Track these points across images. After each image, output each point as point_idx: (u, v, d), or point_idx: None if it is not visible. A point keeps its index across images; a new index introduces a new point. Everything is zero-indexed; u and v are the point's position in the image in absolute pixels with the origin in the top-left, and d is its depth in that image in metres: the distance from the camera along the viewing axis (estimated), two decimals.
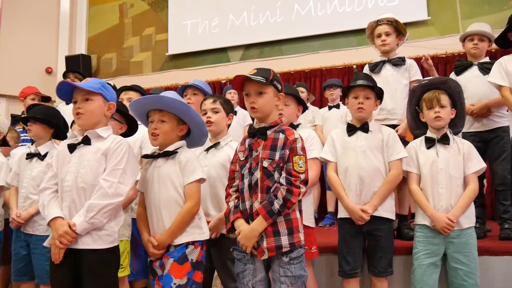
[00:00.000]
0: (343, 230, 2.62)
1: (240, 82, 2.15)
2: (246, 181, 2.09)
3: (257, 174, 2.05)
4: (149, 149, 2.86)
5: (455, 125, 2.67)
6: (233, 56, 6.57)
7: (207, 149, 2.59)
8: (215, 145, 2.58)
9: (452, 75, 3.46)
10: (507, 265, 2.66)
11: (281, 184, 2.02)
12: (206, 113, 2.58)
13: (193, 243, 2.16)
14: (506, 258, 2.68)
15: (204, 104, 2.65)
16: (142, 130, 2.83)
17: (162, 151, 2.23)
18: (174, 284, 2.04)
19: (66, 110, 3.85)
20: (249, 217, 2.05)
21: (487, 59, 3.44)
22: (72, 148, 2.12)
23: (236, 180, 2.16)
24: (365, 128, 2.59)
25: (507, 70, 2.96)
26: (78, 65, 6.85)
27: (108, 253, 2.05)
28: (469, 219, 2.47)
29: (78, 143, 2.13)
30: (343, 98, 2.75)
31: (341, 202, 2.58)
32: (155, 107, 2.23)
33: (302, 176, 2.03)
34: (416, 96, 2.72)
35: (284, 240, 2.00)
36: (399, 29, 3.35)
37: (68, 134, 2.76)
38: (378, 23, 3.37)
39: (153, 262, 2.18)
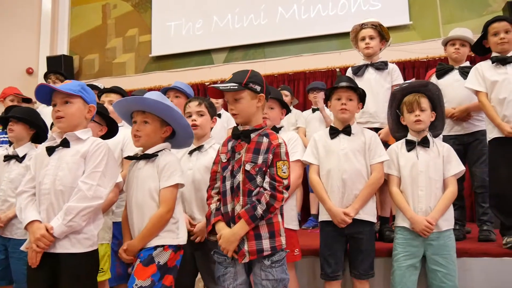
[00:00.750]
0: (325, 233, 2.62)
1: (216, 92, 2.16)
2: (228, 183, 2.08)
3: (239, 177, 2.05)
4: (131, 151, 2.83)
5: (435, 128, 2.70)
6: (217, 58, 6.55)
7: (191, 152, 2.58)
8: (199, 148, 2.56)
9: (433, 79, 3.51)
10: (486, 266, 2.70)
11: (265, 189, 2.02)
12: (191, 116, 2.57)
13: (162, 246, 2.09)
14: (485, 259, 2.72)
15: (189, 106, 2.64)
16: (124, 132, 2.80)
17: (143, 153, 2.19)
18: (136, 285, 1.98)
19: (46, 112, 3.79)
20: (230, 220, 2.05)
21: (467, 64, 3.49)
22: (50, 150, 2.09)
23: (218, 181, 2.15)
24: (347, 131, 2.60)
25: (484, 75, 3.01)
26: (59, 65, 6.75)
27: (87, 257, 2.02)
28: (447, 222, 2.50)
29: (57, 146, 2.09)
30: (326, 100, 2.76)
31: (323, 205, 2.59)
32: (138, 108, 2.19)
33: (286, 182, 2.04)
34: (397, 99, 2.75)
35: (266, 244, 2.00)
36: (382, 33, 3.39)
37: (48, 136, 2.72)
38: (362, 26, 3.40)
39: (129, 267, 2.15)
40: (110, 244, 2.68)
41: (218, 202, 2.13)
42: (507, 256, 2.70)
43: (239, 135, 2.13)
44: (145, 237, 2.08)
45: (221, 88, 2.08)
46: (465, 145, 3.33)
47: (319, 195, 2.61)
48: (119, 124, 2.72)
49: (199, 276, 2.57)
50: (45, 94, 2.15)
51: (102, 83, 4.67)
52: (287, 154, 2.09)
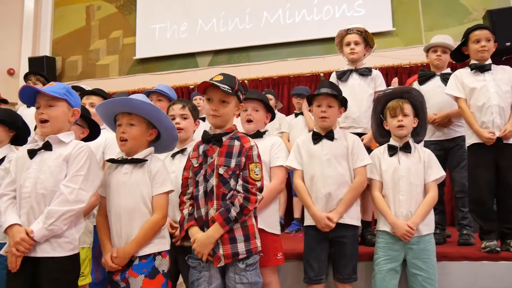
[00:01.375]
0: (308, 237, 2.63)
1: (204, 86, 2.15)
2: (201, 188, 2.08)
3: (213, 181, 2.05)
4: (113, 154, 2.80)
5: (417, 134, 2.73)
6: (202, 61, 6.54)
7: (173, 155, 2.57)
8: (182, 151, 2.56)
9: (415, 85, 3.56)
10: (465, 270, 2.74)
11: (238, 192, 2.03)
12: (174, 118, 2.56)
13: (159, 253, 2.10)
14: (464, 263, 2.76)
15: (172, 109, 2.63)
16: (106, 135, 2.78)
17: (130, 158, 2.14)
18: None
19: (28, 114, 3.74)
20: (204, 224, 2.05)
21: (449, 70, 3.55)
22: (32, 153, 2.05)
23: (190, 187, 2.15)
24: (330, 136, 2.62)
25: (463, 82, 3.07)
26: (41, 67, 6.65)
27: (68, 261, 1.99)
28: (428, 226, 2.53)
29: (39, 149, 2.06)
30: (309, 105, 2.78)
31: (308, 210, 2.60)
32: (124, 110, 2.15)
33: (259, 184, 2.06)
34: (380, 104, 2.78)
35: (241, 247, 2.01)
36: (367, 39, 3.43)
37: (30, 139, 2.68)
38: (348, 32, 3.43)
39: (113, 274, 2.09)
40: (91, 248, 2.64)
41: (191, 207, 2.13)
42: (486, 260, 2.74)
43: (210, 139, 2.13)
44: (140, 243, 2.04)
45: (221, 88, 2.06)
46: (445, 151, 3.39)
47: (303, 200, 2.63)
48: (101, 127, 2.69)
49: (180, 279, 2.56)
50: (29, 96, 2.11)
51: (85, 85, 4.60)
52: (259, 156, 2.11)
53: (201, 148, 2.16)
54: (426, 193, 2.56)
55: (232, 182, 2.05)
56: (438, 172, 2.60)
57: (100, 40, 7.13)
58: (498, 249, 2.79)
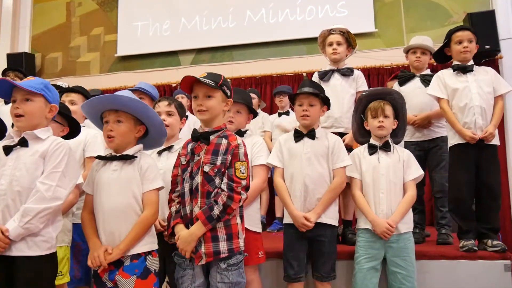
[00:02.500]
0: (288, 235, 2.64)
1: (189, 84, 2.14)
2: (186, 185, 2.08)
3: (198, 179, 2.04)
4: (93, 151, 2.77)
5: (396, 135, 2.77)
6: (184, 60, 6.49)
7: (159, 152, 2.56)
8: (169, 148, 2.55)
9: (396, 86, 3.60)
10: (443, 268, 2.78)
11: (222, 190, 2.02)
12: (160, 115, 2.54)
13: (150, 252, 2.08)
14: (442, 261, 2.79)
15: (158, 106, 2.62)
16: (85, 132, 2.74)
17: (119, 154, 2.11)
18: None
19: (5, 110, 3.66)
20: (189, 222, 2.04)
21: (428, 71, 3.59)
22: (7, 150, 2.00)
23: (179, 184, 2.14)
24: (311, 134, 2.63)
25: (445, 83, 3.10)
26: (20, 63, 6.52)
27: (44, 260, 1.95)
28: (407, 225, 2.57)
29: (15, 145, 2.01)
30: (292, 105, 2.79)
31: (286, 208, 2.61)
32: (111, 107, 2.11)
33: (244, 182, 2.05)
34: (362, 104, 2.80)
35: (223, 246, 2.00)
36: (350, 40, 3.45)
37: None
38: (330, 32, 3.45)
39: (99, 273, 2.04)
40: (70, 246, 2.60)
41: (178, 205, 2.12)
42: (464, 259, 2.78)
43: (198, 137, 2.13)
44: (133, 241, 2.02)
45: (202, 80, 2.06)
46: (425, 151, 3.43)
47: (282, 198, 2.64)
48: (81, 124, 2.65)
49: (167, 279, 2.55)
50: (5, 91, 2.06)
51: (65, 82, 4.53)
52: (245, 155, 2.11)
53: (190, 146, 2.16)
54: (405, 192, 2.60)
55: (217, 180, 2.04)
56: (417, 171, 2.64)
57: (80, 37, 7.03)
58: (476, 248, 2.84)
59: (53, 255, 2.02)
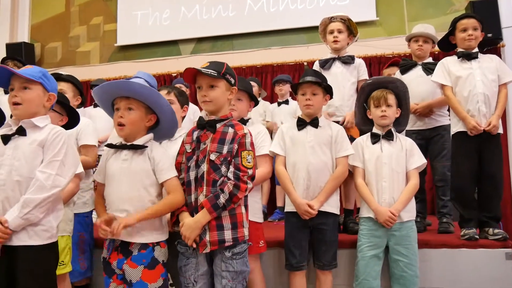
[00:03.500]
0: (289, 224, 2.64)
1: (192, 75, 2.13)
2: (192, 173, 2.07)
3: (204, 167, 2.03)
4: (86, 140, 2.75)
5: (399, 124, 2.75)
6: (184, 49, 6.46)
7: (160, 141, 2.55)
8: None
9: (397, 74, 3.57)
10: (444, 257, 2.78)
11: (229, 179, 2.01)
12: None
13: (158, 243, 2.07)
14: (443, 250, 2.80)
15: None
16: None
17: (129, 143, 2.09)
18: None
19: (4, 101, 3.64)
20: (193, 210, 2.04)
21: (430, 60, 3.57)
22: (6, 139, 1.98)
23: (182, 172, 2.13)
24: (314, 123, 2.61)
25: (449, 70, 3.08)
26: (20, 53, 6.47)
27: (45, 249, 1.93)
28: (409, 213, 2.56)
29: (13, 134, 1.99)
30: (294, 94, 2.77)
31: (289, 196, 2.60)
32: (122, 94, 2.08)
33: (250, 172, 2.04)
34: (365, 93, 2.78)
35: (228, 235, 2.00)
36: (351, 28, 3.42)
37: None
38: (331, 20, 3.42)
39: (108, 261, 2.05)
40: (72, 236, 2.60)
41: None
42: (465, 247, 2.79)
43: (204, 125, 2.11)
44: (152, 215, 2.02)
45: (203, 71, 2.05)
46: (427, 140, 3.41)
47: (284, 186, 2.62)
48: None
49: None
50: (4, 79, 2.03)
51: (65, 72, 4.50)
52: (252, 144, 2.09)
53: (195, 134, 2.14)
54: (408, 180, 2.59)
55: (223, 169, 2.03)
56: (419, 160, 2.63)
57: (80, 26, 6.97)
58: (477, 236, 2.84)
59: (54, 245, 2.01)
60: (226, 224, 2.01)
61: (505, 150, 4.89)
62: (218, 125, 2.10)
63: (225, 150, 2.04)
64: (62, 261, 2.46)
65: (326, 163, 2.58)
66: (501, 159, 3.05)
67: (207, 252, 2.02)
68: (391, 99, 2.65)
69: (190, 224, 2.00)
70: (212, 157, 2.03)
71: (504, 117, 5.06)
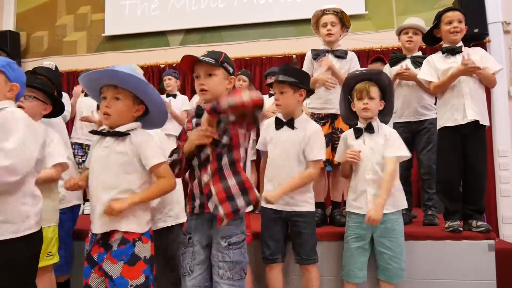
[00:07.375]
0: (265, 216, 2.66)
1: (190, 65, 2.10)
2: (195, 160, 2.09)
3: (207, 150, 2.04)
4: (54, 160, 2.46)
5: (384, 115, 2.75)
6: (173, 40, 6.41)
7: None
8: None
9: (387, 67, 3.59)
10: (429, 249, 2.82)
11: None
12: None
13: (139, 238, 1.99)
14: (428, 242, 2.84)
15: None
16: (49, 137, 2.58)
17: (112, 130, 2.03)
18: (131, 286, 1.93)
19: None
20: (200, 192, 2.05)
21: (419, 53, 3.59)
22: None
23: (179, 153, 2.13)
24: (290, 124, 2.62)
25: (436, 67, 3.10)
26: (5, 42, 6.37)
27: (20, 242, 1.81)
28: (394, 206, 2.55)
29: None
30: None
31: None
32: (109, 82, 2.02)
33: None
34: (349, 86, 2.77)
35: (240, 202, 2.01)
36: (343, 20, 3.39)
37: None
38: (324, 12, 3.38)
39: (90, 252, 2.00)
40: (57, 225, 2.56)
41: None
42: (449, 239, 2.83)
43: (202, 113, 2.10)
44: (144, 199, 1.98)
45: (200, 58, 2.03)
46: (413, 133, 3.44)
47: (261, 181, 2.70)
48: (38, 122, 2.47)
49: None
50: None
51: (51, 62, 4.43)
52: None
53: (194, 121, 2.15)
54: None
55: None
56: (398, 149, 2.57)
57: (67, 15, 6.87)
58: (461, 229, 2.88)
59: (30, 236, 1.87)
60: (236, 192, 2.00)
61: (489, 143, 4.94)
62: None
63: None
64: (50, 252, 2.44)
65: (298, 164, 2.57)
66: (485, 152, 3.08)
67: (203, 244, 2.07)
68: (374, 91, 2.62)
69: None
70: None
71: (489, 110, 5.11)
